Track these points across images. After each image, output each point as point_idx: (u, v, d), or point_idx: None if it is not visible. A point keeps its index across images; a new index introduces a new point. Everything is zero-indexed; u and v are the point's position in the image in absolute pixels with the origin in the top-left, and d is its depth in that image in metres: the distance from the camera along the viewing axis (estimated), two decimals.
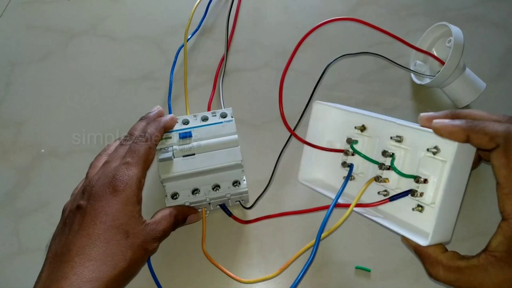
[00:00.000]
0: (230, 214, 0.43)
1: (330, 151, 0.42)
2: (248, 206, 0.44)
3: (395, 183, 0.36)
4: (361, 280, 0.41)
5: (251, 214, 0.44)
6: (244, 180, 0.41)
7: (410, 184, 0.35)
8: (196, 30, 0.55)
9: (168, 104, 0.49)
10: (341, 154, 0.41)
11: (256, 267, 0.42)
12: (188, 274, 0.41)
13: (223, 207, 0.43)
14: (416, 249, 0.33)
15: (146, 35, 0.56)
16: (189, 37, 0.54)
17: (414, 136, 0.35)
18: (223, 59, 0.53)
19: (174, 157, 0.40)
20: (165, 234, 0.37)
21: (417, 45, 0.51)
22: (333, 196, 0.37)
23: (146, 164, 0.37)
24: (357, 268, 0.41)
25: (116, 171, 0.35)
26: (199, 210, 0.42)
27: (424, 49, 0.51)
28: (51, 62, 0.54)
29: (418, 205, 0.35)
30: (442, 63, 0.47)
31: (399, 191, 0.36)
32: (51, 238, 0.35)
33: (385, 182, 0.36)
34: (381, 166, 0.36)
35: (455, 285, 0.30)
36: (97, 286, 0.31)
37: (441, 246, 0.32)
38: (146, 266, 0.41)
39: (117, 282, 0.33)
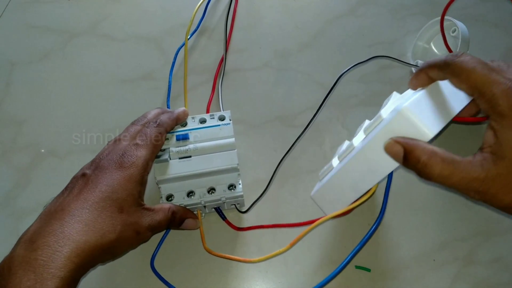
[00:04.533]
0: (224, 218, 0.43)
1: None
2: (243, 210, 0.43)
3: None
4: (361, 280, 0.41)
5: (247, 218, 0.44)
6: (240, 184, 0.41)
7: None
8: (195, 30, 0.55)
9: (167, 105, 0.49)
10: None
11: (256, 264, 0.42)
12: (196, 274, 0.41)
13: (218, 210, 0.43)
14: (407, 148, 0.29)
15: (146, 35, 0.56)
16: (188, 37, 0.54)
17: None
18: (222, 61, 0.53)
19: (170, 158, 0.40)
20: (159, 225, 0.37)
21: (415, 41, 0.53)
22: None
23: (155, 148, 0.38)
24: (357, 268, 0.41)
25: (125, 149, 0.37)
26: (194, 212, 0.41)
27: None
28: (51, 62, 0.54)
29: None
30: None
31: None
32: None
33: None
34: None
35: (447, 181, 0.28)
36: (82, 248, 0.31)
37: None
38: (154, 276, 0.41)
39: (103, 251, 0.32)
